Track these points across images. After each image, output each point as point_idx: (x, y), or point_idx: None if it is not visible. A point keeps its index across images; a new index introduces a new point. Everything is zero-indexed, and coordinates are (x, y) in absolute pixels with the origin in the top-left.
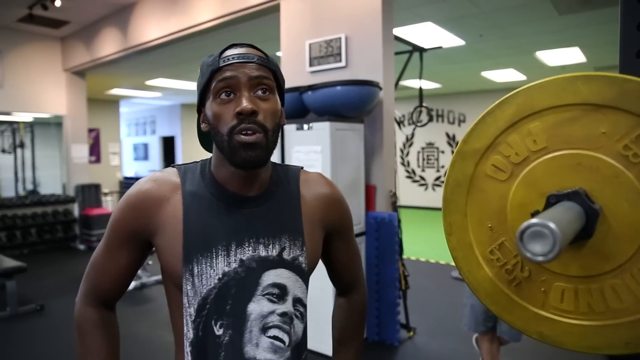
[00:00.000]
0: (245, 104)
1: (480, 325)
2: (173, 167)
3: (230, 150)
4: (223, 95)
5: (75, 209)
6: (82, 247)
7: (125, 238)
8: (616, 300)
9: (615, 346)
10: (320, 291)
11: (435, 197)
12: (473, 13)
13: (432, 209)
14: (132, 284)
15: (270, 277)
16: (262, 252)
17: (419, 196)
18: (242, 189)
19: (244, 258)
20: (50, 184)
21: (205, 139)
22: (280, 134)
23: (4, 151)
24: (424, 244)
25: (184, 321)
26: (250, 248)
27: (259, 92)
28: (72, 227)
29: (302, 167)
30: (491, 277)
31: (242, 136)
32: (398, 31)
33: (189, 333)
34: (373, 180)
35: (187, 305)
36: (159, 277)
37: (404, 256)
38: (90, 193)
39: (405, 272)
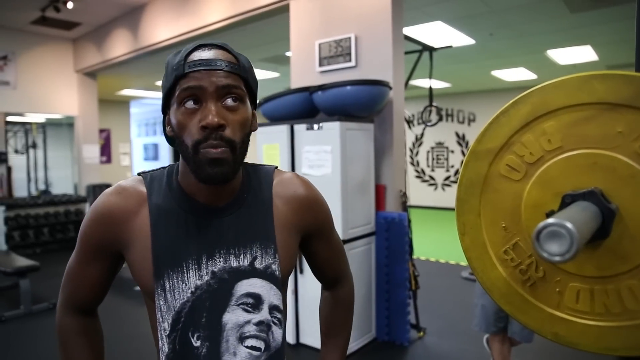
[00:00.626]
0: (211, 117)
1: (491, 325)
2: (139, 175)
3: (195, 165)
4: (188, 104)
5: (87, 209)
6: None
7: (95, 251)
8: (633, 301)
9: (633, 347)
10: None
11: (444, 197)
12: (483, 12)
13: (442, 209)
14: None
15: (243, 287)
16: (234, 263)
17: (428, 196)
18: (211, 199)
19: (216, 270)
20: (62, 184)
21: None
22: (291, 134)
23: (16, 152)
24: (433, 244)
25: (159, 335)
26: (221, 259)
27: (228, 101)
28: None
29: (276, 167)
30: (505, 277)
31: (207, 151)
32: (408, 30)
33: (164, 347)
34: (383, 180)
35: (160, 319)
36: None
37: (414, 256)
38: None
39: (416, 272)
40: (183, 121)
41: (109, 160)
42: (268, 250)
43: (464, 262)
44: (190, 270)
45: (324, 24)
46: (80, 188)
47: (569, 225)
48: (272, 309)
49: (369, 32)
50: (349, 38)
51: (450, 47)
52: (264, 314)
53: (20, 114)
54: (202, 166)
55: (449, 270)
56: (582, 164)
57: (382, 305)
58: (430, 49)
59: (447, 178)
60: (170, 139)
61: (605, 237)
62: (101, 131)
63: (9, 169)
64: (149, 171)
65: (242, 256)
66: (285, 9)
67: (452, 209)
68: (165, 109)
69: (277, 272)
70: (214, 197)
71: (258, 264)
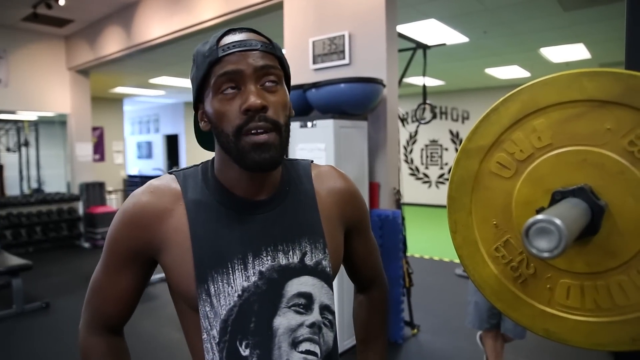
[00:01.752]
0: (253, 99)
1: (484, 322)
2: (170, 173)
3: (239, 153)
4: (226, 91)
5: (80, 207)
6: (86, 245)
7: (126, 259)
8: (622, 297)
9: (622, 343)
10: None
11: (438, 195)
12: (477, 10)
13: (436, 207)
14: None
15: (294, 286)
16: (282, 260)
17: (422, 193)
18: (252, 192)
19: (263, 269)
20: (55, 183)
21: (205, 138)
22: None
23: (8, 150)
24: (427, 241)
25: (209, 345)
26: (269, 257)
27: (267, 84)
28: (77, 225)
29: (312, 161)
30: (497, 274)
31: (252, 136)
32: (402, 28)
33: (215, 357)
34: (377, 178)
35: (208, 327)
36: (163, 274)
37: (408, 254)
38: (95, 191)
39: (409, 270)
40: (221, 109)
41: (102, 159)
42: (317, 245)
43: (457, 260)
44: (237, 271)
45: (317, 21)
46: (73, 186)
47: (557, 221)
48: (323, 309)
49: (363, 29)
50: (343, 36)
51: (444, 45)
52: (315, 315)
53: (12, 112)
54: (247, 153)
55: (442, 268)
56: (572, 161)
57: None
58: (424, 47)
59: (441, 176)
60: (203, 137)
61: (595, 234)
62: (94, 129)
63: (0, 167)
64: (180, 169)
65: (290, 252)
66: (279, 6)
67: (446, 207)
68: (198, 103)
69: (328, 269)
70: (256, 190)
71: (308, 260)
